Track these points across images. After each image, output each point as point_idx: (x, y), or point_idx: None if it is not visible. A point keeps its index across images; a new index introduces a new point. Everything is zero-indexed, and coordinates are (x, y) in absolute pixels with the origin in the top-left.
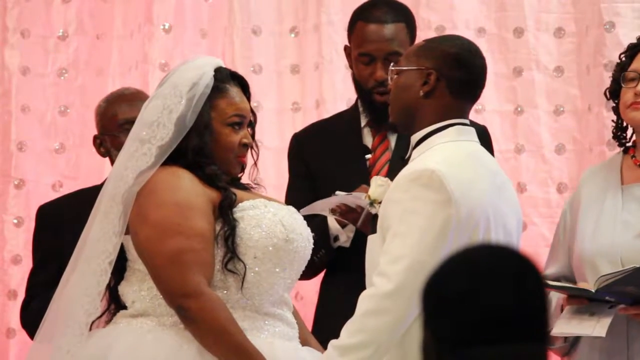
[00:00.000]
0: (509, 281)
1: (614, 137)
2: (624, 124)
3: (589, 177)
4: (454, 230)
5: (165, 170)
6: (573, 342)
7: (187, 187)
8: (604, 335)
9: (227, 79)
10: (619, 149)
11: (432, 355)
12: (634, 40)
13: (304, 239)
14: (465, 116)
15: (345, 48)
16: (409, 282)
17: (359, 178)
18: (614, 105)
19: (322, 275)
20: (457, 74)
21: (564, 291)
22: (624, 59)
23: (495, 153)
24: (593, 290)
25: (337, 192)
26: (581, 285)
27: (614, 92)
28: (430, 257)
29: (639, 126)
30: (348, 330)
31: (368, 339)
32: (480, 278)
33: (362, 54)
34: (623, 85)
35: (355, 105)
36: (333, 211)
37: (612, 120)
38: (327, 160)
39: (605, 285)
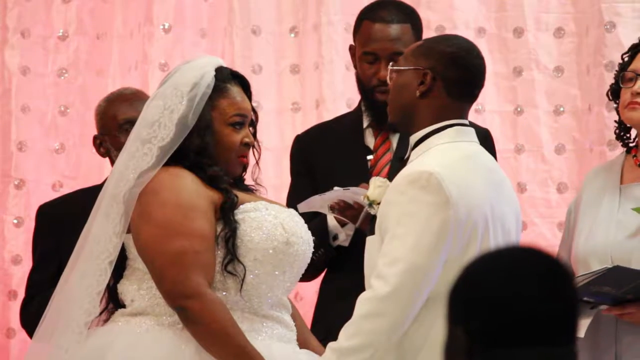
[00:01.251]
0: (543, 284)
1: (617, 138)
2: (623, 123)
3: (592, 177)
4: (452, 232)
5: (168, 171)
6: None
7: (189, 188)
8: (582, 336)
9: (228, 78)
10: (619, 149)
11: (461, 355)
12: (635, 41)
13: (305, 242)
14: (464, 116)
15: (350, 47)
16: (406, 284)
17: (361, 179)
18: (616, 105)
19: (321, 275)
20: (454, 74)
21: None
22: (626, 59)
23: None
24: None
25: (335, 188)
26: None
27: (614, 93)
28: (428, 259)
29: (636, 126)
30: (346, 333)
31: (366, 342)
32: (514, 280)
33: (366, 52)
34: (622, 86)
35: (358, 107)
36: (332, 208)
37: (615, 121)
38: (328, 161)
39: (581, 286)
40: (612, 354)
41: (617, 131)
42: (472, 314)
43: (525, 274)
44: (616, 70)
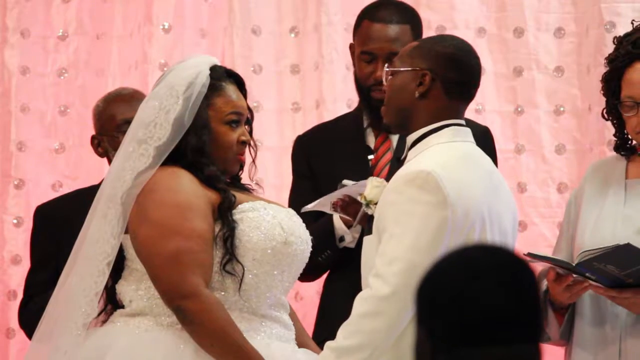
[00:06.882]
0: (505, 282)
1: (618, 150)
2: (626, 134)
3: (594, 170)
4: (449, 231)
5: (166, 171)
6: (566, 328)
7: (187, 188)
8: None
9: (223, 77)
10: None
11: (427, 355)
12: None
13: (303, 242)
14: (461, 116)
15: (350, 46)
16: (404, 284)
17: (361, 178)
18: (614, 122)
19: (323, 275)
20: (452, 75)
21: (546, 261)
22: (608, 75)
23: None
24: (573, 264)
25: (345, 181)
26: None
27: (611, 111)
28: (426, 258)
29: None
30: (344, 332)
31: (364, 341)
32: (476, 278)
33: (364, 52)
34: (622, 113)
35: (358, 107)
36: (334, 205)
37: (614, 135)
38: (329, 161)
39: (586, 260)
40: (616, 353)
41: (618, 144)
42: (436, 312)
43: (487, 273)
44: (603, 88)
